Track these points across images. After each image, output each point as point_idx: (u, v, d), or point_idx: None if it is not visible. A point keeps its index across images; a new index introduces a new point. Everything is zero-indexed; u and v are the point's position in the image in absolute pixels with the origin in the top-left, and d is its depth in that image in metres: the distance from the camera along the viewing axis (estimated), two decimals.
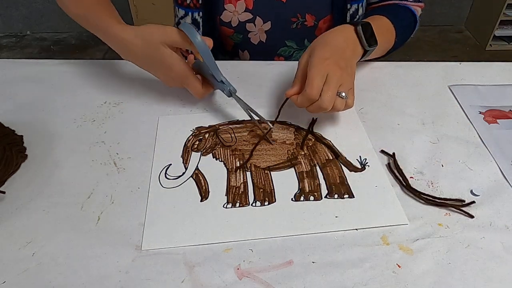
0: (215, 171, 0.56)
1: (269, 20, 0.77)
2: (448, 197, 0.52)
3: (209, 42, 0.59)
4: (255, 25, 0.77)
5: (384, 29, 0.68)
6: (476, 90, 0.70)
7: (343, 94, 0.56)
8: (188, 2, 0.76)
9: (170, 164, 0.56)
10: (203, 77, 0.64)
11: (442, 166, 0.56)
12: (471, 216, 0.50)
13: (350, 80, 0.58)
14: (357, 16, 0.78)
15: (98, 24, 0.63)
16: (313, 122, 0.63)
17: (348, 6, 0.75)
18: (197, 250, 0.46)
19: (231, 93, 0.61)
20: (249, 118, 0.62)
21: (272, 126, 0.60)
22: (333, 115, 0.64)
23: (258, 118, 0.60)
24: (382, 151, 0.58)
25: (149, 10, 1.93)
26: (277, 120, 0.62)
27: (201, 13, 0.76)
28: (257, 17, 0.76)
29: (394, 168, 0.55)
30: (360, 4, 0.76)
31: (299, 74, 0.59)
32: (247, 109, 0.61)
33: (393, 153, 0.58)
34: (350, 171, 0.56)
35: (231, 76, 0.63)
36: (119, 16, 0.65)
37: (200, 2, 0.75)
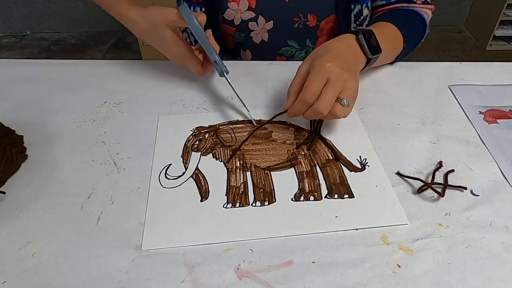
0: (215, 171, 0.56)
1: (272, 19, 0.77)
2: (448, 198, 0.52)
3: (201, 17, 0.61)
4: (257, 24, 0.77)
5: (390, 36, 0.67)
6: (476, 90, 0.70)
7: (345, 101, 0.53)
8: None
9: (170, 164, 0.56)
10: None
11: (442, 166, 0.56)
12: (464, 188, 0.53)
13: (354, 87, 0.55)
14: (361, 17, 0.77)
15: (113, 6, 0.67)
16: (320, 123, 0.62)
17: (352, 6, 0.75)
18: (197, 250, 0.46)
19: (222, 73, 0.62)
20: (249, 119, 0.63)
21: (255, 124, 0.62)
22: None
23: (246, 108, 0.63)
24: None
25: None
26: (273, 120, 0.62)
27: (203, 9, 0.77)
28: (260, 16, 0.76)
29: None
30: (364, 5, 0.76)
31: (296, 84, 0.57)
32: (236, 94, 0.62)
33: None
34: (350, 171, 0.56)
35: (231, 75, 0.63)
36: None
37: None
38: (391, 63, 0.73)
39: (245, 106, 0.63)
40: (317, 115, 0.54)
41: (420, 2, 0.74)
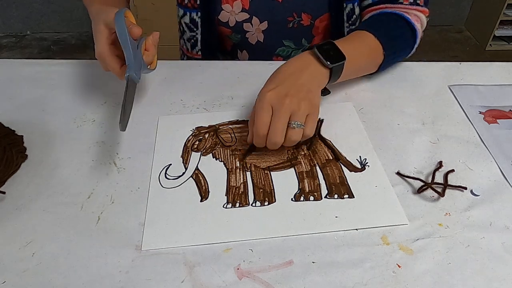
0: (215, 171, 0.56)
1: (266, 19, 0.77)
2: (448, 198, 0.52)
3: (137, 30, 0.58)
4: (252, 25, 0.78)
5: (363, 44, 0.65)
6: (476, 90, 0.70)
7: (295, 123, 0.52)
8: (186, 2, 0.76)
9: (170, 164, 0.56)
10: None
11: (442, 166, 0.56)
12: (464, 188, 0.53)
13: (307, 105, 0.53)
14: (354, 16, 0.77)
15: (87, 6, 0.68)
16: (320, 123, 0.62)
17: (344, 5, 0.75)
18: (197, 250, 0.46)
19: (127, 79, 0.57)
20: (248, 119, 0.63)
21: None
22: (333, 114, 0.64)
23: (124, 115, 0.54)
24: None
25: (149, 10, 1.93)
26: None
27: (199, 13, 0.77)
28: (254, 17, 0.77)
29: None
30: (356, 4, 0.76)
31: (252, 117, 0.56)
32: (123, 104, 0.54)
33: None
34: (350, 171, 0.56)
35: (231, 76, 0.63)
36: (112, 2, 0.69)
37: (198, 2, 0.75)
38: (376, 72, 0.70)
39: (122, 119, 0.53)
40: (275, 145, 0.53)
41: (407, 3, 0.71)
